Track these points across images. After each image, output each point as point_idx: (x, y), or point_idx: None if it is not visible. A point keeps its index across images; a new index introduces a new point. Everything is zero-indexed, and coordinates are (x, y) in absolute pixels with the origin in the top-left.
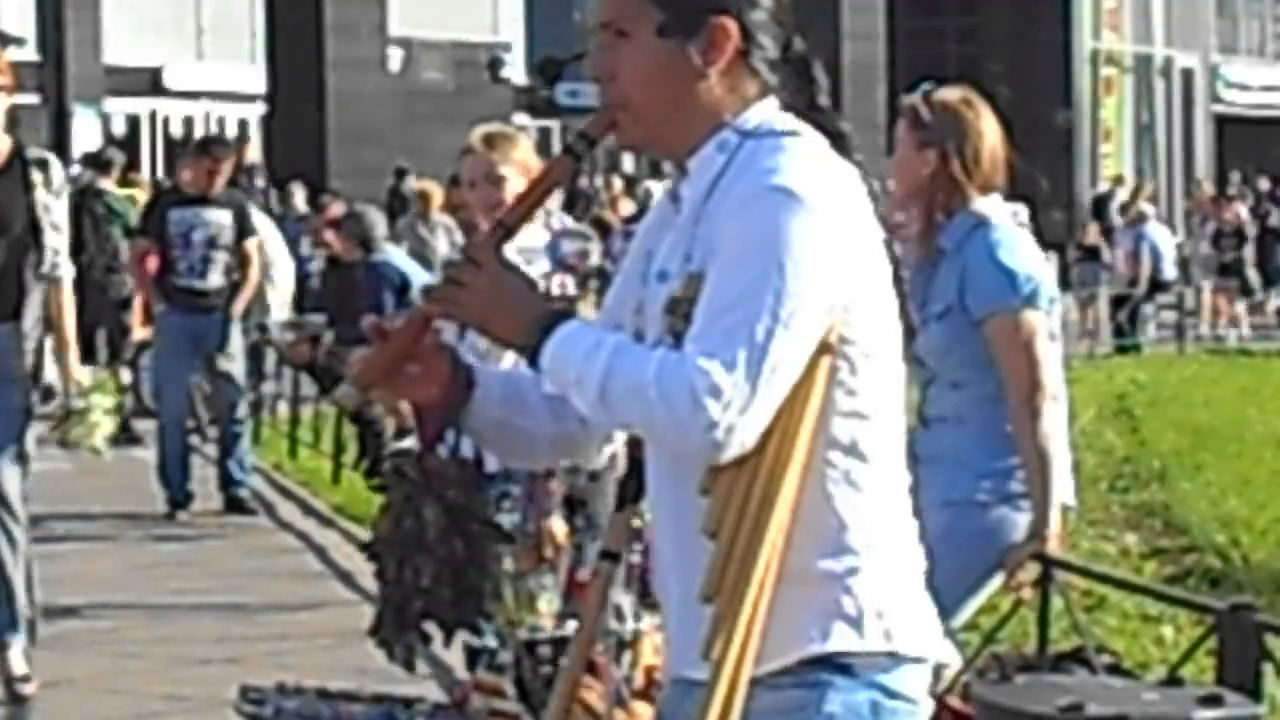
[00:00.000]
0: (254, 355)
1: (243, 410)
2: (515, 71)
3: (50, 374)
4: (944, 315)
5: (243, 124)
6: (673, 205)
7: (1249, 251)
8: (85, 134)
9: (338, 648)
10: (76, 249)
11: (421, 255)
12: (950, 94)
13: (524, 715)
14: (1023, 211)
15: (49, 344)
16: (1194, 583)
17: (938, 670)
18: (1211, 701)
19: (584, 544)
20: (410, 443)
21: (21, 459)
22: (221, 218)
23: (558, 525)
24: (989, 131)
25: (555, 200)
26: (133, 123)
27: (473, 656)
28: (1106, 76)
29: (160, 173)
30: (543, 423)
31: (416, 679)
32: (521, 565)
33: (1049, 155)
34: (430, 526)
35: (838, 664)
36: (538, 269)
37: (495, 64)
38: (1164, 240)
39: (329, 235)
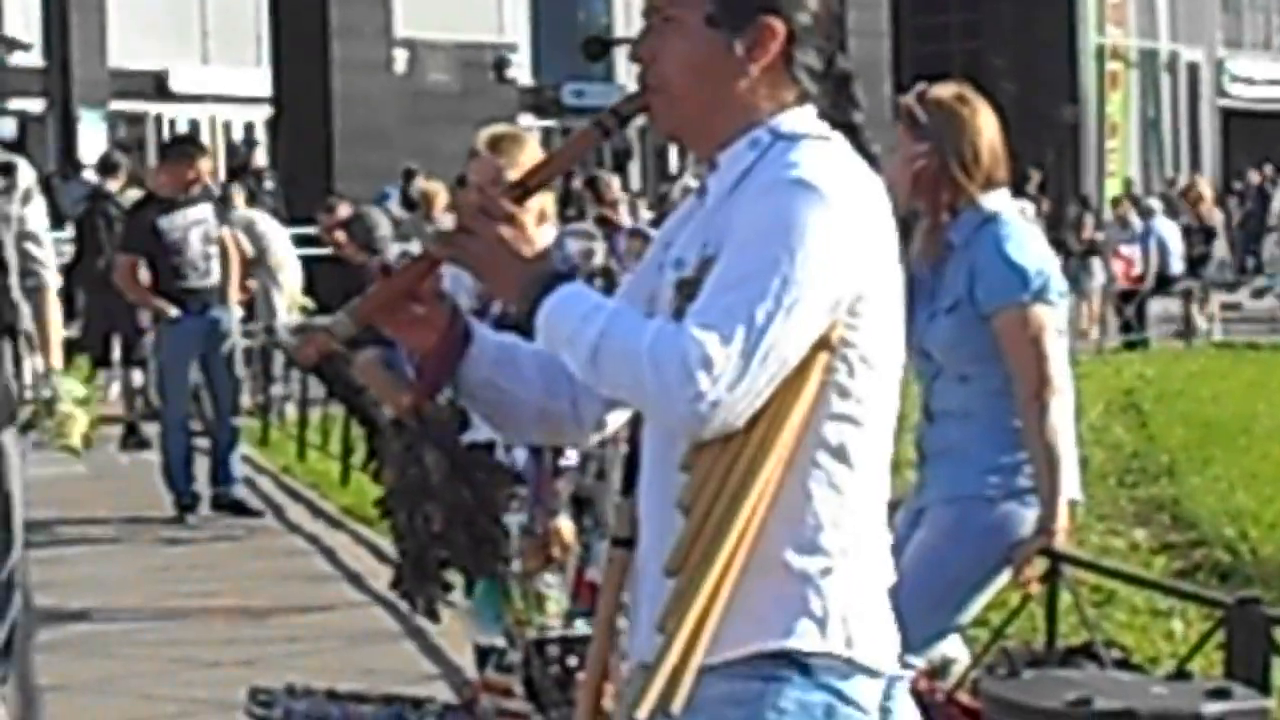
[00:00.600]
0: (262, 358)
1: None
2: (521, 72)
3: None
4: (952, 309)
5: (248, 127)
6: (699, 199)
7: (1219, 247)
8: (91, 138)
9: (347, 649)
10: (94, 253)
11: None
12: (945, 91)
13: (533, 715)
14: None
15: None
16: (1203, 577)
17: (944, 667)
18: (1220, 695)
19: (592, 543)
20: None
21: None
22: (206, 213)
23: (565, 525)
24: (986, 127)
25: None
26: (138, 126)
27: (482, 656)
28: (1112, 71)
29: None
30: (533, 393)
31: (425, 680)
32: (529, 565)
33: (1055, 151)
34: (432, 472)
35: (796, 661)
36: None
37: (501, 65)
38: (1171, 235)
39: (337, 236)
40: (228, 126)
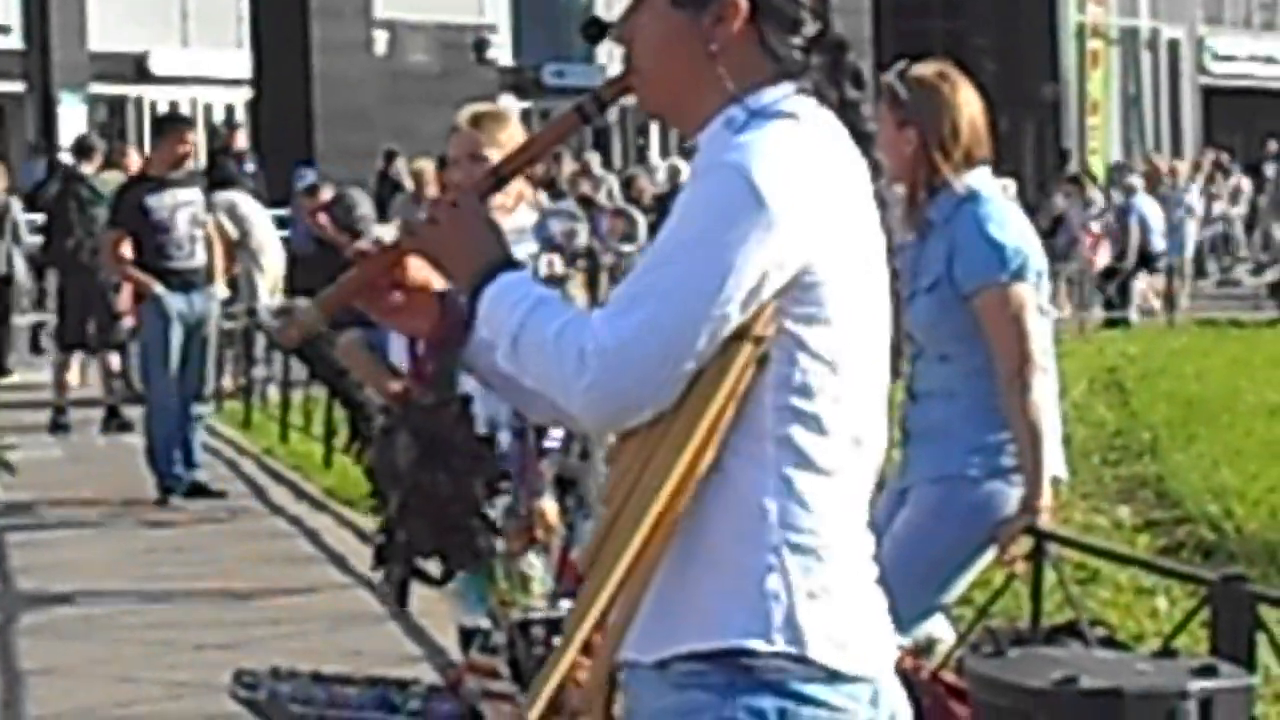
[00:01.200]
0: (244, 340)
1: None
2: (501, 53)
3: None
4: (932, 288)
5: (229, 109)
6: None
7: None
8: (71, 121)
9: (332, 631)
10: (63, 234)
11: None
12: (926, 69)
13: (518, 696)
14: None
15: None
16: (1187, 554)
17: (929, 646)
18: (1206, 672)
19: (576, 524)
20: None
21: None
22: (194, 195)
23: (549, 506)
24: (967, 104)
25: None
26: (118, 109)
27: (467, 638)
28: (1093, 49)
29: None
30: None
31: (409, 661)
32: (513, 546)
33: (1036, 129)
34: (400, 454)
35: (744, 664)
36: (525, 249)
37: (481, 46)
38: (1153, 213)
39: (320, 219)
40: (208, 109)
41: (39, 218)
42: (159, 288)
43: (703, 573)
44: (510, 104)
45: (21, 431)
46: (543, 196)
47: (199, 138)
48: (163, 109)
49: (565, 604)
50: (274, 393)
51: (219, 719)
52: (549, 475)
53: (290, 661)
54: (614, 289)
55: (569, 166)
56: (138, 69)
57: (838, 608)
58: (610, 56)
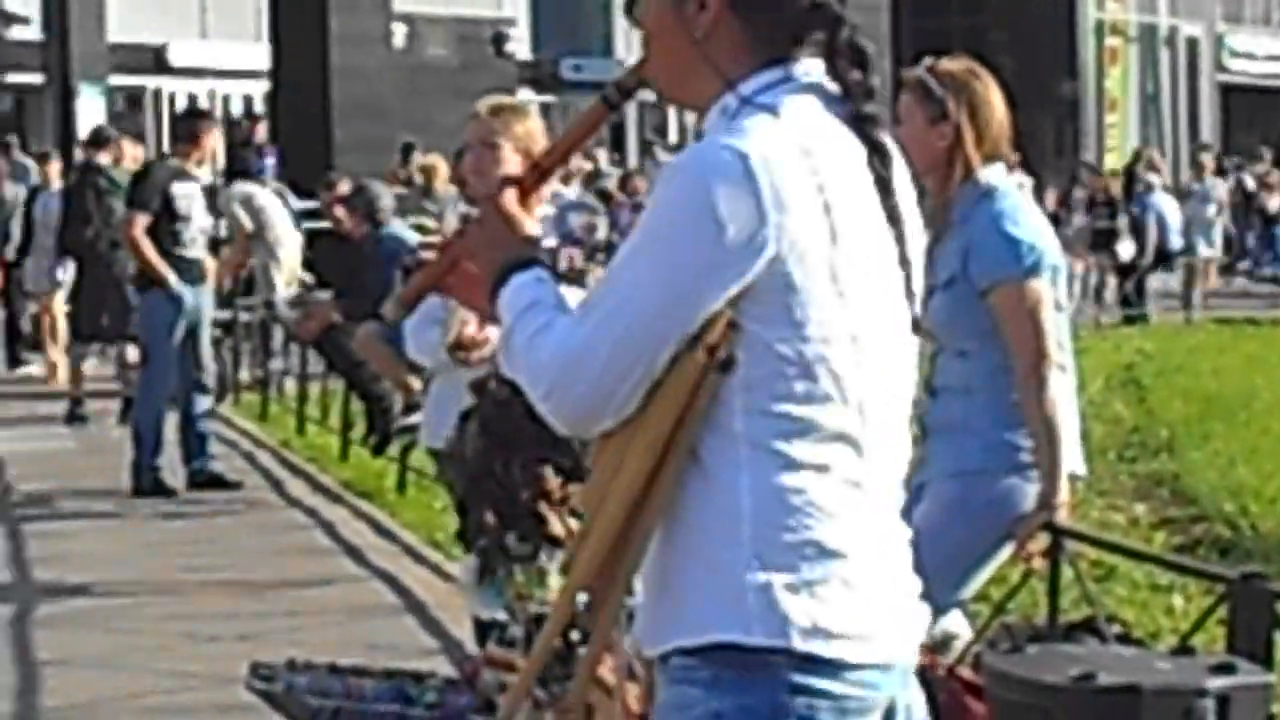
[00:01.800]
0: (262, 332)
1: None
2: (520, 46)
3: None
4: (949, 284)
5: (247, 101)
6: None
7: (1122, 222)
8: (90, 112)
9: (348, 623)
10: (81, 225)
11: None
12: (956, 65)
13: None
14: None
15: None
16: (1203, 552)
17: (946, 642)
18: (1223, 670)
19: None
20: (417, 418)
21: None
22: (199, 189)
23: None
24: (997, 102)
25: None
26: (137, 101)
27: (483, 631)
28: (1111, 46)
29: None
30: None
31: (425, 654)
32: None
33: (1054, 126)
34: (468, 443)
35: (735, 660)
36: (545, 243)
37: (499, 39)
38: (1170, 210)
39: (338, 211)
40: (227, 101)
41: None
42: (173, 279)
43: (687, 570)
44: (529, 98)
45: (38, 423)
46: (571, 190)
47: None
48: (181, 101)
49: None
50: (291, 385)
51: (234, 711)
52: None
53: (306, 654)
54: None
55: (585, 163)
56: (157, 61)
57: (830, 600)
58: (629, 49)
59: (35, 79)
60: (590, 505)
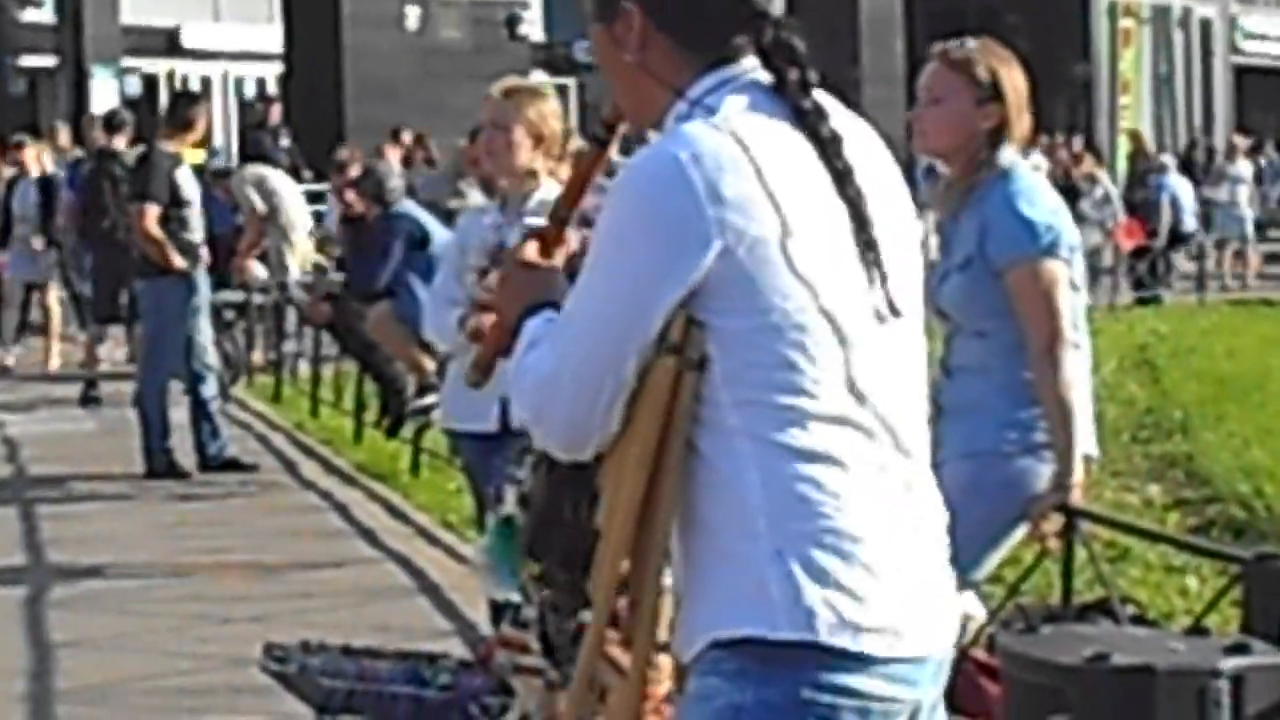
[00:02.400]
0: (275, 315)
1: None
2: (533, 29)
3: None
4: (965, 266)
5: (260, 83)
6: None
7: (1084, 205)
8: (103, 95)
9: (361, 605)
10: (98, 210)
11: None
12: (992, 48)
13: (549, 670)
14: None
15: None
16: (1217, 533)
17: (962, 623)
18: (1238, 650)
19: None
20: (431, 399)
21: None
22: (192, 173)
23: None
24: (1023, 86)
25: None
26: (150, 83)
27: (497, 612)
28: (1124, 28)
29: None
30: None
31: (439, 635)
32: None
33: (1068, 107)
34: (538, 488)
35: (756, 653)
36: None
37: (513, 21)
38: (1184, 192)
39: (349, 195)
40: (240, 83)
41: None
42: (182, 263)
43: (712, 570)
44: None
45: (52, 405)
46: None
47: (231, 114)
48: (194, 84)
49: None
50: (305, 368)
51: (248, 692)
52: None
53: (320, 635)
54: None
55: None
56: (170, 43)
57: (856, 591)
58: None
59: (48, 61)
60: (603, 525)
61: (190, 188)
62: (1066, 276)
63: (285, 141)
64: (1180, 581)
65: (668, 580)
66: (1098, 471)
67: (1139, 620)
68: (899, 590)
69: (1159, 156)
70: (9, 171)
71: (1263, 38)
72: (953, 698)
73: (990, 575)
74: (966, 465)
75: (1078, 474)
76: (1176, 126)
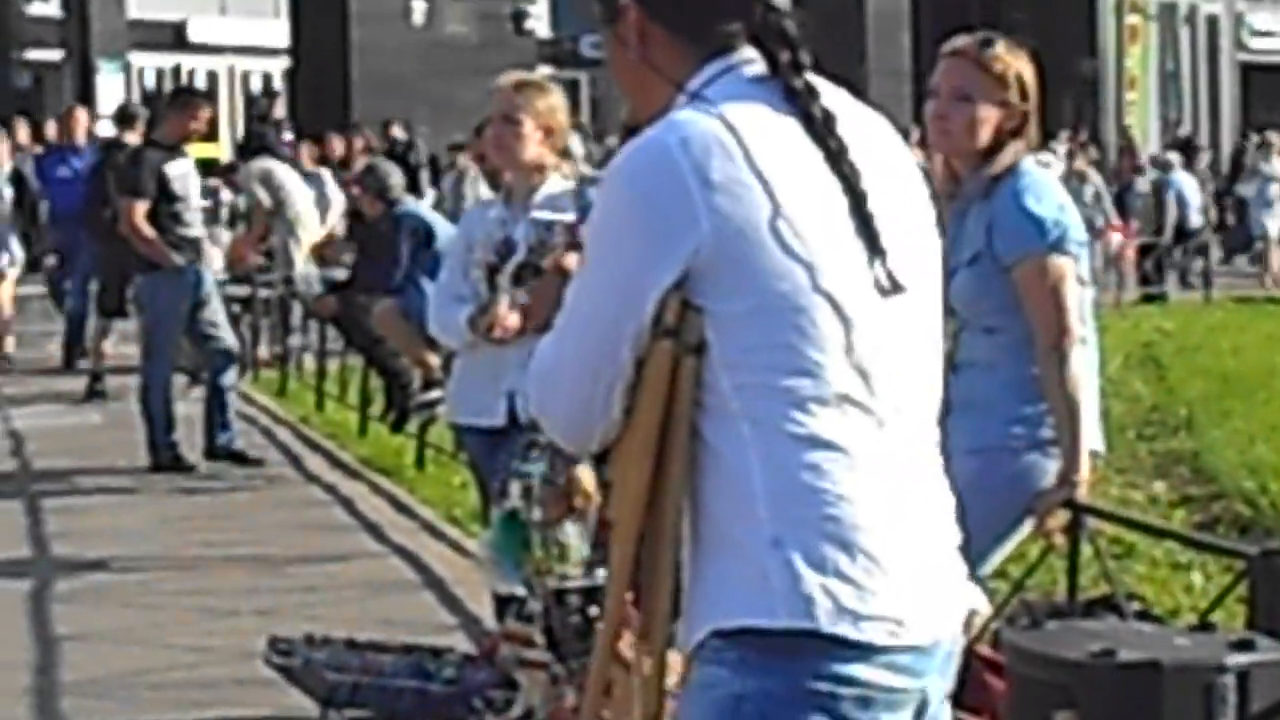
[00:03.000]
0: (281, 309)
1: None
2: (539, 24)
3: None
4: (973, 262)
5: (266, 78)
6: None
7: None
8: (110, 89)
9: (366, 599)
10: (103, 203)
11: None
12: (1013, 47)
13: (553, 664)
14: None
15: None
16: (1222, 530)
17: (966, 620)
18: (1244, 646)
19: None
20: (436, 394)
21: None
22: (193, 167)
23: (586, 474)
24: (1034, 82)
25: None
26: (156, 78)
27: (501, 606)
28: (1131, 25)
29: None
30: None
31: (443, 630)
32: (550, 514)
33: (1074, 104)
34: None
35: (752, 641)
36: (565, 216)
37: (519, 16)
38: (1190, 188)
39: (354, 191)
40: (246, 77)
41: None
42: (179, 259)
43: (714, 556)
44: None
45: (57, 399)
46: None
47: (237, 108)
48: (200, 78)
49: (601, 572)
50: (310, 361)
51: (253, 685)
52: None
53: (324, 629)
54: None
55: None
56: (176, 37)
57: (857, 579)
58: None
59: (54, 55)
60: (613, 510)
61: (184, 183)
62: (1074, 272)
63: (288, 135)
64: (1185, 578)
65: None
66: (1103, 468)
67: (1144, 616)
68: (902, 577)
69: (1165, 154)
70: None
71: (1269, 35)
72: (957, 693)
73: (996, 571)
74: (973, 461)
75: (1084, 470)
76: (1182, 123)
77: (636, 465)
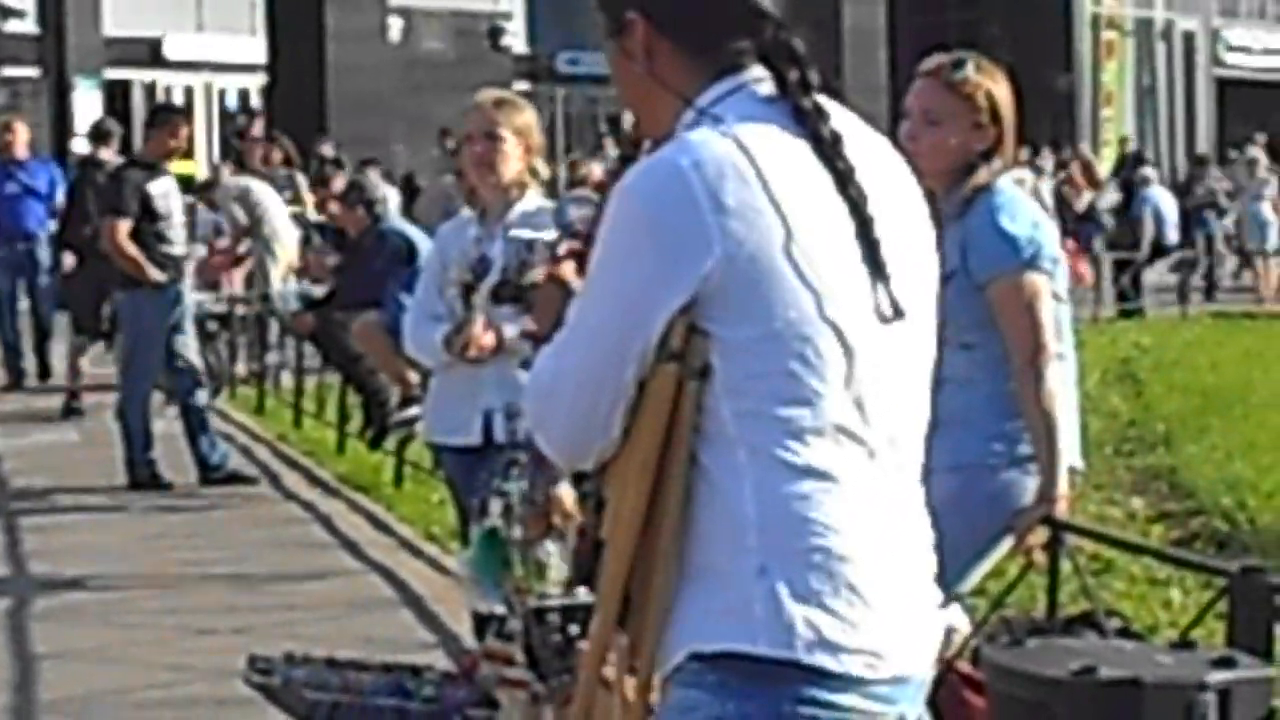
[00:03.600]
0: (258, 326)
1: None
2: (516, 40)
3: None
4: (949, 279)
5: (243, 95)
6: None
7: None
8: (86, 106)
9: (345, 617)
10: (80, 220)
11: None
12: (987, 67)
13: (533, 683)
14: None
15: None
16: (1200, 546)
17: (945, 635)
18: (1225, 664)
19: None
20: (415, 411)
21: None
22: (175, 185)
23: (566, 493)
24: (1011, 103)
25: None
26: (132, 94)
27: (480, 625)
28: (1107, 40)
29: None
30: None
31: (422, 648)
32: (530, 533)
33: (1050, 120)
34: None
35: (733, 667)
36: (546, 234)
37: (495, 33)
38: (1167, 204)
39: (333, 207)
40: (222, 94)
41: None
42: (161, 277)
43: (700, 580)
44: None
45: (34, 417)
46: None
47: (214, 125)
48: (177, 94)
49: (581, 591)
50: (287, 379)
51: (232, 704)
52: None
53: (303, 647)
54: None
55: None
56: (152, 54)
57: (840, 611)
58: None
59: (31, 72)
60: (606, 529)
61: (168, 201)
62: (1049, 289)
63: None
64: (1164, 594)
65: None
66: (1081, 484)
67: (1125, 633)
68: (883, 611)
69: (1142, 170)
70: None
71: (1245, 50)
72: (936, 711)
73: (975, 588)
74: (952, 478)
75: (1062, 486)
76: (1159, 139)
77: (634, 488)
